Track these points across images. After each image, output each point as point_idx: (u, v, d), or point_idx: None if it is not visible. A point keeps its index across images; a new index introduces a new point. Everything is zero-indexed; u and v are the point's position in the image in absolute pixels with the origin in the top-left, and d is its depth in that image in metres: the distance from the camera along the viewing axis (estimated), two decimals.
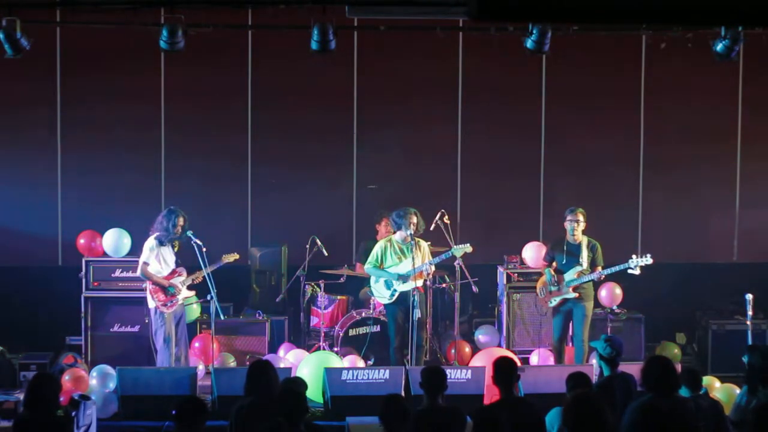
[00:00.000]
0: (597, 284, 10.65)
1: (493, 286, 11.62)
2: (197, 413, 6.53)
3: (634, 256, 10.27)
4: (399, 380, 9.39)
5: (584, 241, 10.49)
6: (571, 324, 10.53)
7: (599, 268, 10.40)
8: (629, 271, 10.31)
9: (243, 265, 11.21)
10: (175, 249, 10.39)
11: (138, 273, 10.37)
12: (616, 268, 10.34)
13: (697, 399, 7.61)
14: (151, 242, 10.28)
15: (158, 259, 10.29)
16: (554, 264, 10.61)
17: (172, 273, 10.32)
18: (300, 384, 8.20)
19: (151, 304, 10.28)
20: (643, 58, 12.33)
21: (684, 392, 7.70)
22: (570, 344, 10.65)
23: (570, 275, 10.43)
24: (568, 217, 10.50)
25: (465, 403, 7.72)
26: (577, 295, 10.41)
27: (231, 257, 10.62)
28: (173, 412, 6.52)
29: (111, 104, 11.94)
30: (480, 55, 12.10)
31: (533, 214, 10.97)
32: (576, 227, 10.44)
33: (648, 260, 10.26)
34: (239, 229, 12.24)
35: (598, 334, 10.36)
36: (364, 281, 11.04)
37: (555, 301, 10.54)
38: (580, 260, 10.41)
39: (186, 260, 10.49)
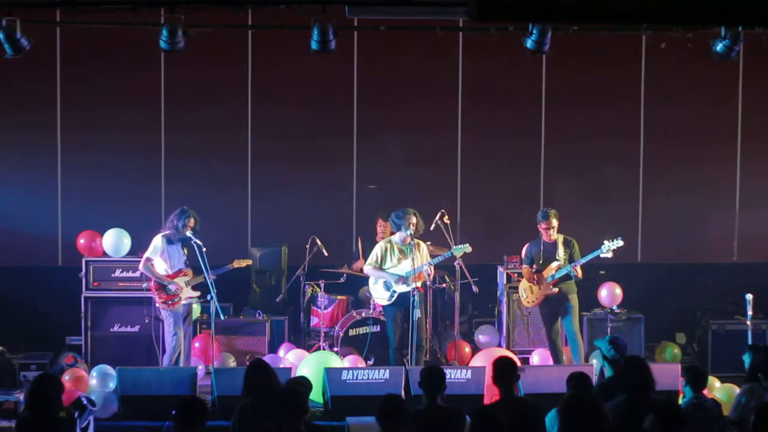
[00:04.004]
0: (580, 280, 10.59)
1: (493, 286, 11.62)
2: (197, 413, 6.53)
3: (605, 242, 10.26)
4: (399, 380, 9.39)
5: (560, 239, 10.50)
6: (560, 320, 10.52)
7: (576, 261, 10.40)
8: (602, 255, 10.30)
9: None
10: (185, 251, 10.41)
11: (140, 267, 10.38)
12: (590, 256, 10.33)
13: (700, 399, 7.62)
14: (158, 240, 10.30)
15: (164, 258, 10.31)
16: (534, 265, 10.61)
17: (178, 272, 10.34)
18: (304, 384, 8.20)
19: (157, 302, 10.33)
20: (643, 58, 12.33)
21: (687, 392, 7.72)
22: (566, 344, 10.64)
23: (548, 271, 10.44)
24: (543, 225, 10.46)
25: (465, 403, 7.74)
26: (557, 290, 10.41)
27: (243, 263, 10.68)
28: (173, 412, 6.52)
29: (111, 104, 11.93)
30: (480, 55, 12.11)
31: (533, 214, 10.96)
32: (552, 232, 10.44)
33: (619, 243, 10.25)
34: (239, 229, 12.24)
35: (599, 334, 10.39)
36: (364, 281, 11.03)
37: (536, 300, 10.56)
38: (557, 257, 10.43)
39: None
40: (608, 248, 10.26)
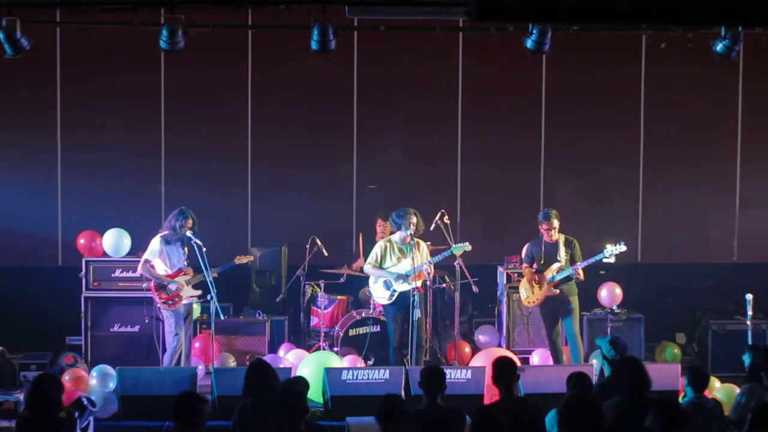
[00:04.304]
0: (581, 282, 10.58)
1: (493, 286, 11.62)
2: (196, 408, 6.47)
3: (608, 246, 10.26)
4: (399, 380, 9.39)
5: (561, 239, 10.49)
6: (560, 321, 10.51)
7: (578, 263, 10.39)
8: (604, 260, 10.29)
9: (243, 265, 11.21)
10: (185, 250, 10.41)
11: (139, 269, 10.38)
12: (593, 259, 10.32)
13: (701, 399, 7.61)
14: (156, 241, 10.30)
15: (163, 259, 10.31)
16: (534, 265, 10.61)
17: (178, 272, 10.34)
18: (302, 384, 8.21)
19: (158, 303, 10.34)
20: (643, 58, 12.33)
21: (688, 392, 7.71)
22: (566, 344, 10.64)
23: (549, 272, 10.43)
24: (544, 225, 10.44)
25: (465, 403, 7.73)
26: (558, 291, 10.41)
27: (245, 259, 10.70)
28: (171, 412, 6.48)
29: (111, 104, 11.94)
30: (480, 55, 12.11)
31: (533, 213, 10.97)
32: (554, 232, 10.43)
33: (622, 248, 10.25)
34: (239, 229, 12.24)
35: (599, 334, 10.38)
36: (364, 281, 11.03)
37: (537, 300, 10.55)
38: (558, 258, 10.42)
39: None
40: (611, 253, 10.24)
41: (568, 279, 10.42)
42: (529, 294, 10.63)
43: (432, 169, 12.41)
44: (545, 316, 10.62)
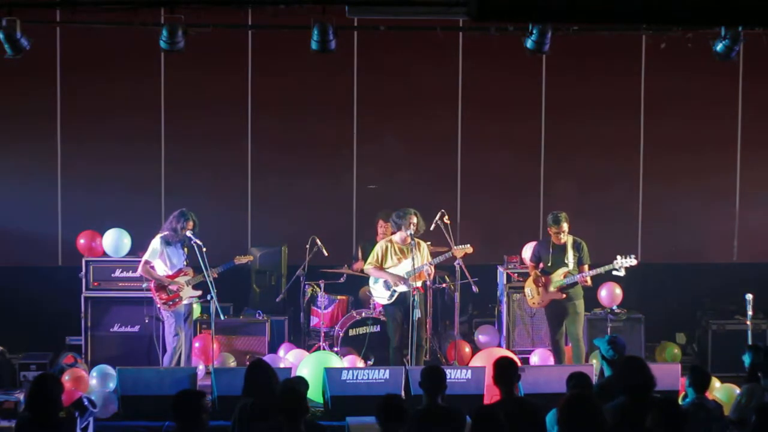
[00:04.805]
0: (588, 287, 10.58)
1: (493, 286, 11.62)
2: (195, 403, 6.45)
3: (618, 257, 10.25)
4: (399, 380, 9.39)
5: (569, 241, 10.47)
6: (564, 323, 10.51)
7: (586, 267, 10.38)
8: (614, 272, 10.28)
9: (243, 265, 11.22)
10: (185, 251, 10.41)
11: (139, 270, 10.38)
12: (601, 270, 10.32)
13: (702, 400, 7.61)
14: (156, 242, 10.30)
15: (163, 259, 10.31)
16: (541, 265, 10.60)
17: (178, 272, 10.34)
18: (301, 383, 8.22)
19: (158, 303, 10.34)
20: (642, 64, 12.33)
21: (689, 393, 7.71)
22: (568, 344, 10.64)
23: (557, 276, 10.42)
24: (553, 229, 10.40)
25: (465, 403, 7.74)
26: (564, 295, 10.40)
27: (244, 258, 10.70)
28: (171, 411, 6.47)
29: (111, 104, 11.94)
30: (480, 56, 12.10)
31: (533, 214, 10.97)
32: (562, 236, 10.42)
33: (632, 261, 10.24)
34: (239, 229, 12.24)
35: (599, 334, 10.38)
36: (364, 281, 11.03)
37: (542, 302, 10.55)
38: (566, 261, 10.41)
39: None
40: (621, 266, 10.21)
41: (574, 283, 10.41)
42: (534, 295, 10.62)
43: (432, 169, 12.41)
44: (550, 317, 10.61)
